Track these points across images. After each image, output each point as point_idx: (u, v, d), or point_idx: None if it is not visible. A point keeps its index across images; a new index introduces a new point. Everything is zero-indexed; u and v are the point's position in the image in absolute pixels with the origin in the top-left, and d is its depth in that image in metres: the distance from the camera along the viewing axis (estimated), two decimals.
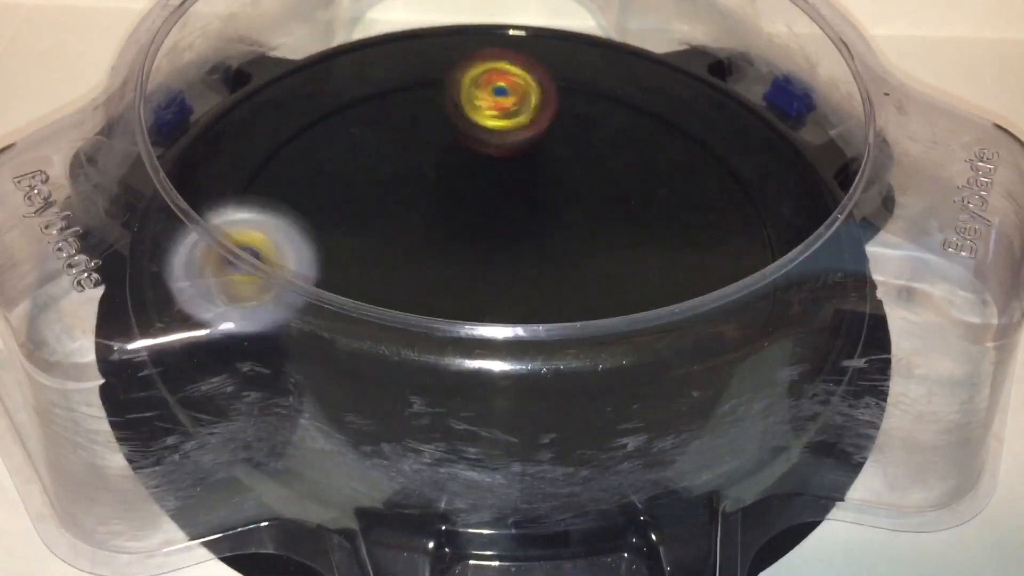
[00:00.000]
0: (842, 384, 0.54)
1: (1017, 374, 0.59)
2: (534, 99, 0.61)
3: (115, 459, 0.52)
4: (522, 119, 0.60)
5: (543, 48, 0.71)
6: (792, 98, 0.66)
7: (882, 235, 0.56)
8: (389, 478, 0.50)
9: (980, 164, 0.57)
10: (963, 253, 0.54)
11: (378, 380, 0.49)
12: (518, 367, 0.48)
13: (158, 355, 0.49)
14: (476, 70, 0.61)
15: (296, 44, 0.70)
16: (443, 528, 0.51)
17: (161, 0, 0.61)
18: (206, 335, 0.48)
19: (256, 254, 0.51)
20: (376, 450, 0.49)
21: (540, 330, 0.47)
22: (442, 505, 0.51)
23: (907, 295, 0.55)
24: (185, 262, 0.50)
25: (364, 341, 0.48)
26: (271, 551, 0.53)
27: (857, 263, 0.54)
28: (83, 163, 0.55)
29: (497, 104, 0.60)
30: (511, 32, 0.72)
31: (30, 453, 0.55)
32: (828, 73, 0.63)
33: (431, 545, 0.50)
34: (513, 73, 0.61)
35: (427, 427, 0.48)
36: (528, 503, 0.50)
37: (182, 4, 0.61)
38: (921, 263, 0.55)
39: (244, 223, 0.54)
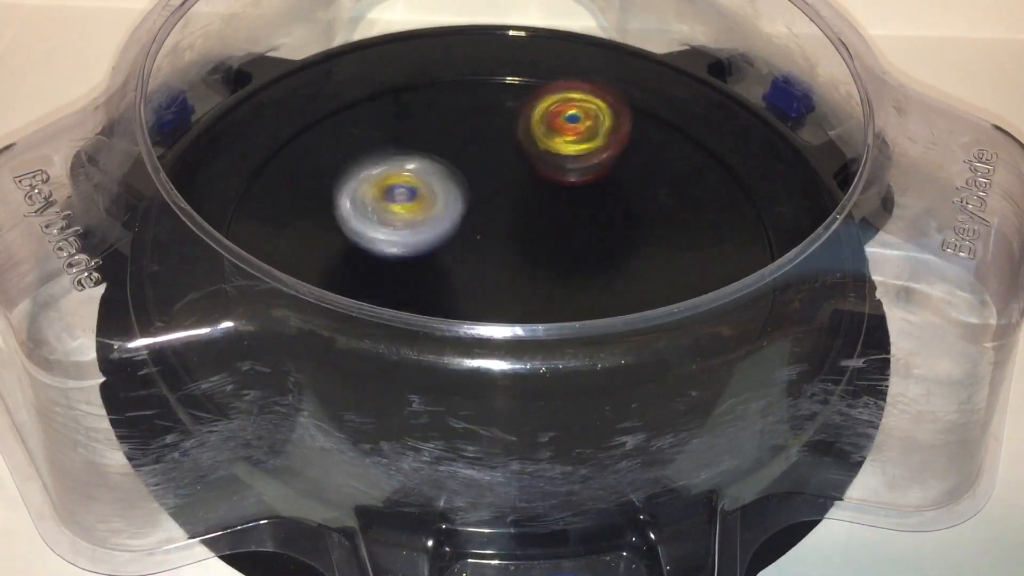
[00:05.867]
0: (841, 384, 0.54)
1: (1016, 374, 0.59)
2: (606, 120, 0.60)
3: (115, 457, 0.52)
4: (598, 141, 0.60)
5: (543, 48, 0.72)
6: (792, 98, 0.66)
7: (881, 235, 0.56)
8: (388, 476, 0.50)
9: (979, 165, 0.57)
10: (962, 254, 0.54)
11: (377, 379, 0.49)
12: (517, 366, 0.48)
13: (158, 354, 0.49)
14: (544, 103, 0.61)
15: (296, 44, 0.70)
16: (442, 526, 0.51)
17: (162, 0, 0.61)
18: (206, 334, 0.49)
19: (413, 191, 0.55)
20: (375, 448, 0.49)
21: (539, 330, 0.47)
22: (441, 503, 0.51)
23: (906, 295, 0.55)
24: (351, 196, 0.55)
25: (364, 340, 0.48)
26: (271, 549, 0.53)
27: (856, 263, 0.55)
28: (84, 163, 0.55)
29: (572, 130, 0.60)
30: (511, 32, 0.72)
31: (30, 451, 0.55)
32: (827, 74, 0.64)
33: (430, 543, 0.51)
34: (582, 99, 0.61)
35: (426, 426, 0.48)
36: (527, 502, 0.50)
37: (183, 4, 0.61)
38: (920, 263, 0.55)
39: (398, 167, 0.56)
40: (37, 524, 0.54)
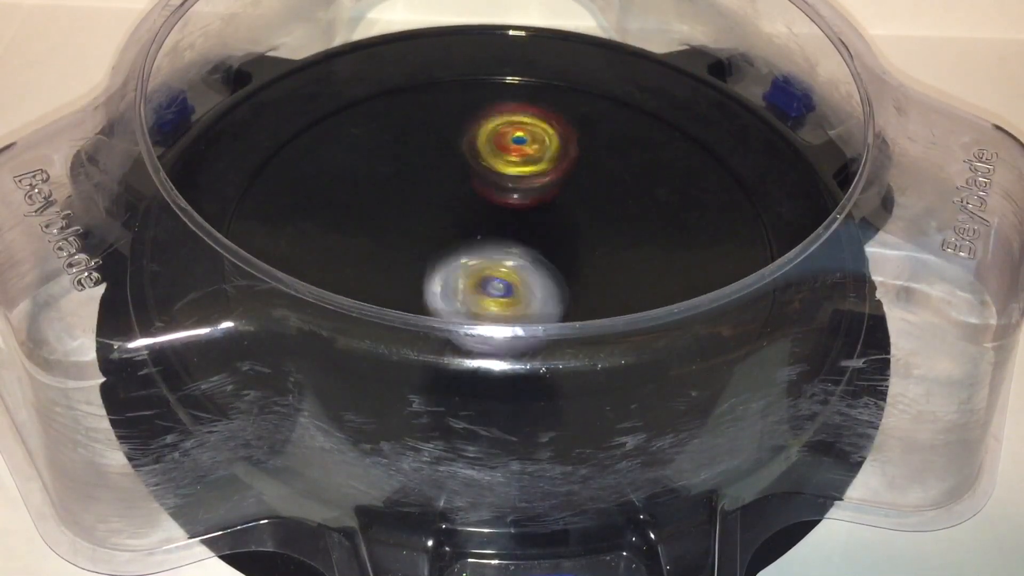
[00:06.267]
0: (841, 384, 0.54)
1: (1016, 374, 0.59)
2: (553, 146, 0.60)
3: (115, 457, 0.52)
4: (542, 165, 0.60)
5: (543, 48, 0.72)
6: (792, 98, 0.66)
7: (881, 235, 0.56)
8: (388, 476, 0.50)
9: (979, 164, 0.57)
10: (962, 253, 0.54)
11: (377, 379, 0.49)
12: (517, 367, 0.48)
13: (158, 354, 0.49)
14: (492, 123, 0.61)
15: (296, 44, 0.70)
16: (442, 526, 0.51)
17: (162, 0, 0.61)
18: (206, 334, 0.49)
19: (508, 286, 0.53)
20: (375, 448, 0.49)
21: (539, 330, 0.47)
22: (441, 503, 0.51)
23: (906, 295, 0.55)
24: (441, 287, 0.53)
25: (364, 341, 0.48)
26: (271, 549, 0.53)
27: (856, 263, 0.55)
28: (84, 162, 0.55)
29: (517, 151, 0.60)
30: (511, 32, 0.72)
31: (30, 451, 0.55)
32: (828, 73, 0.64)
33: (430, 543, 0.51)
34: (529, 123, 0.61)
35: (426, 426, 0.48)
36: (527, 502, 0.50)
37: (183, 4, 0.61)
38: (920, 263, 0.55)
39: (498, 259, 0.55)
40: (37, 524, 0.54)
